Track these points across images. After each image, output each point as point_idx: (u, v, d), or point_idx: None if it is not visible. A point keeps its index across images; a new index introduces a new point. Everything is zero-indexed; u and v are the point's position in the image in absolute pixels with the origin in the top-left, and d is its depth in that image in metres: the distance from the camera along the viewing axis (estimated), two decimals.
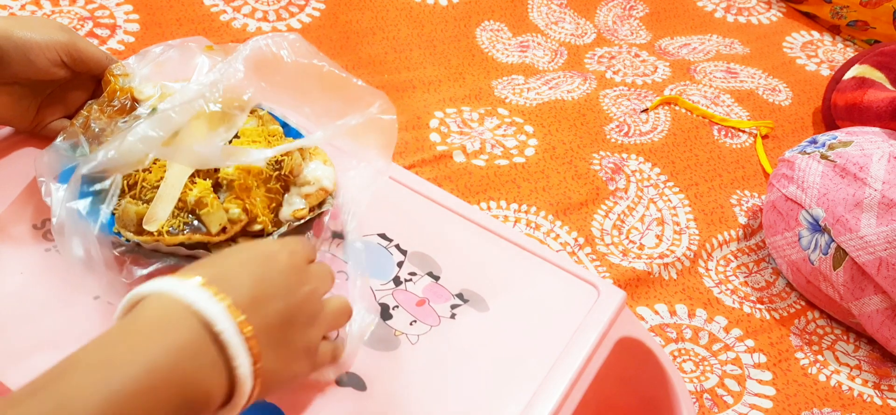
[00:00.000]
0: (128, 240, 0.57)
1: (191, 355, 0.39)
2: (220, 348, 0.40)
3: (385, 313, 0.59)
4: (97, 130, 0.61)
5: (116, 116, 0.62)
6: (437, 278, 0.62)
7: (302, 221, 0.61)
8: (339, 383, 0.54)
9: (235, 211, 0.58)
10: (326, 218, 0.63)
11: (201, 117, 0.60)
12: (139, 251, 0.57)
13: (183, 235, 0.56)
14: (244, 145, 0.61)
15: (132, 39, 1.11)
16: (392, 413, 0.53)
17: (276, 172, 0.61)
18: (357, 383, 0.54)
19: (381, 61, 1.21)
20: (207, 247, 0.57)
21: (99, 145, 0.60)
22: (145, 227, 0.56)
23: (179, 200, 0.57)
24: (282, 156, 0.61)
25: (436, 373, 0.56)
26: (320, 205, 0.63)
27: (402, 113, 1.11)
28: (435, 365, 0.56)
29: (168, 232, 0.56)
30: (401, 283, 0.61)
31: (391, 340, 0.57)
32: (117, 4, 1.16)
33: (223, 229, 0.57)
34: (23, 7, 1.11)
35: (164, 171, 0.59)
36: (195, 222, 0.57)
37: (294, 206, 0.61)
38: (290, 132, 0.67)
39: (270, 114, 0.68)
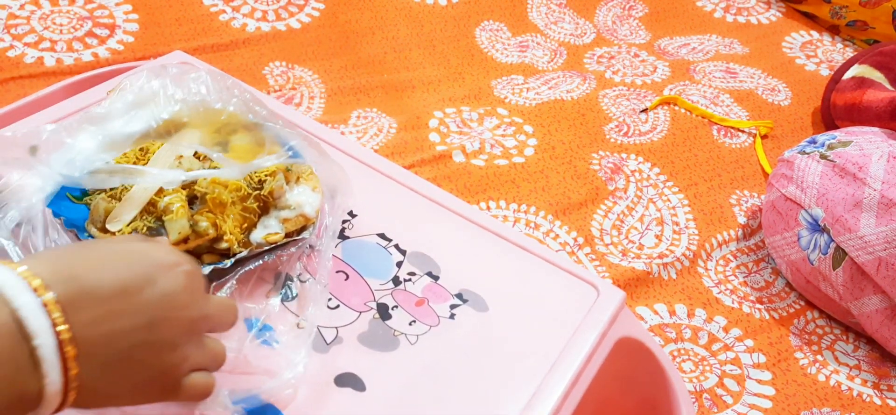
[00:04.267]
0: (90, 235, 0.55)
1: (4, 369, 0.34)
2: (30, 350, 0.35)
3: (384, 313, 0.59)
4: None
5: None
6: (436, 278, 0.62)
7: (272, 247, 0.58)
8: (338, 383, 0.54)
9: (203, 224, 0.55)
10: (298, 250, 0.59)
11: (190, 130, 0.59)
12: None
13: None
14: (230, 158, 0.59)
15: (131, 39, 1.11)
16: (391, 413, 0.53)
17: (256, 192, 0.58)
18: (356, 383, 0.54)
19: (381, 61, 1.21)
20: None
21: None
22: (108, 225, 0.55)
23: (150, 203, 0.56)
24: (264, 175, 0.59)
25: (435, 373, 0.56)
26: (299, 232, 0.59)
27: (401, 113, 1.11)
28: (434, 365, 0.56)
29: (130, 233, 0.55)
30: (400, 283, 0.61)
31: (390, 340, 0.57)
32: (117, 4, 1.16)
33: (185, 240, 0.55)
34: (22, 7, 1.11)
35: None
36: (160, 228, 0.55)
37: (269, 229, 0.58)
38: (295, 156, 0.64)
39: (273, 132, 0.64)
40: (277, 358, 0.51)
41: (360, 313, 0.59)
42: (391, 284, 0.61)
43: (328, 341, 0.56)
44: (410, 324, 0.59)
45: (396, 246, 0.64)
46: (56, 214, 0.54)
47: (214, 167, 0.59)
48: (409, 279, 0.62)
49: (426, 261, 0.64)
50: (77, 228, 0.56)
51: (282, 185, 0.60)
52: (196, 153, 0.60)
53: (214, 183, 0.57)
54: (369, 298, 0.60)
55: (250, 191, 0.58)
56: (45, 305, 0.35)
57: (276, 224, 0.58)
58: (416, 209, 0.68)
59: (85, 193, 0.58)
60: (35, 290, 0.35)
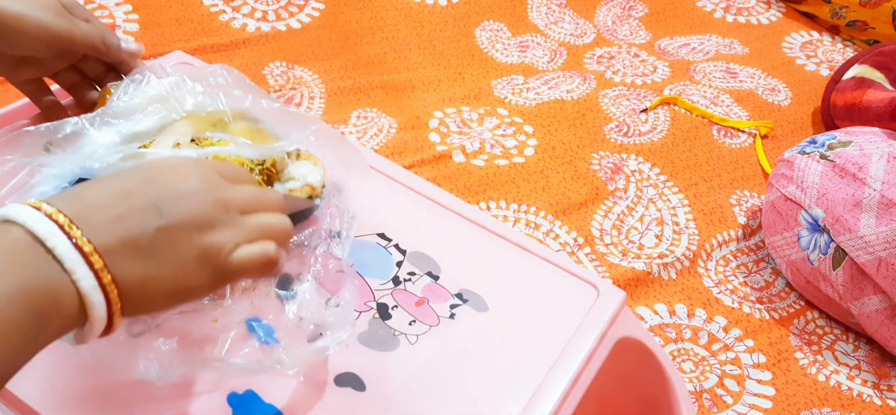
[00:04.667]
0: None
1: (33, 275, 0.36)
2: (58, 265, 0.36)
3: (384, 312, 0.59)
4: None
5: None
6: (436, 278, 0.62)
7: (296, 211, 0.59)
8: (338, 383, 0.54)
9: None
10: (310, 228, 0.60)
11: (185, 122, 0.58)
12: None
13: None
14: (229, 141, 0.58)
15: (131, 39, 1.11)
16: (391, 413, 0.53)
17: (259, 166, 0.58)
18: (356, 383, 0.54)
19: (381, 61, 1.21)
20: None
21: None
22: None
23: None
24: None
25: (435, 373, 0.56)
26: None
27: (401, 113, 1.11)
28: (434, 365, 0.56)
29: None
30: (400, 283, 0.61)
31: (390, 340, 0.57)
32: (117, 4, 1.16)
33: None
34: None
35: None
36: None
37: None
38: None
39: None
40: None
41: (360, 312, 0.59)
42: (391, 284, 0.61)
43: None
44: (410, 324, 0.59)
45: (396, 246, 0.64)
46: None
47: (226, 145, 0.58)
48: (409, 279, 0.62)
49: (426, 261, 0.64)
50: None
51: (283, 158, 0.59)
52: (194, 139, 0.60)
53: (217, 159, 0.55)
54: (369, 298, 0.60)
55: (253, 166, 0.57)
56: (49, 215, 0.37)
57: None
58: (416, 209, 0.68)
59: None
60: (36, 207, 0.37)
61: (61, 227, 0.37)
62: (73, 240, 0.37)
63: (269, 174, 0.59)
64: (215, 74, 0.60)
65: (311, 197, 0.60)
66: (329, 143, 0.62)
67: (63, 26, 0.58)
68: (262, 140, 0.62)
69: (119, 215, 0.39)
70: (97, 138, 0.55)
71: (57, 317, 0.36)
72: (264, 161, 0.58)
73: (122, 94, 0.60)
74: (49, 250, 0.36)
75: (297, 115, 0.61)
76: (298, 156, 0.62)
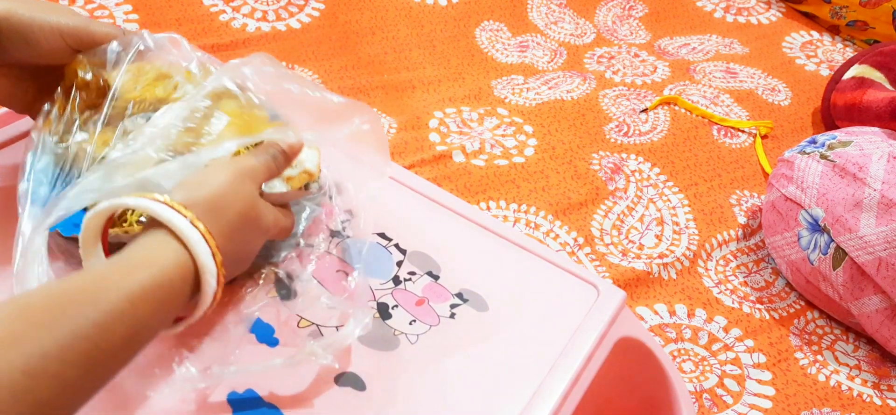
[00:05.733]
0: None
1: (174, 276, 0.45)
2: (195, 270, 0.47)
3: (384, 312, 0.59)
4: (63, 128, 0.56)
5: (86, 108, 0.57)
6: (436, 278, 0.62)
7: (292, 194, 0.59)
8: (338, 382, 0.54)
9: None
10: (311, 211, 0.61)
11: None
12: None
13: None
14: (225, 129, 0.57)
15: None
16: (391, 413, 0.53)
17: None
18: (356, 382, 0.54)
19: (381, 61, 1.21)
20: None
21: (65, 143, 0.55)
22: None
23: None
24: (254, 143, 0.57)
25: (435, 373, 0.56)
26: (304, 188, 0.61)
27: (401, 113, 1.11)
28: (434, 365, 0.56)
29: (138, 222, 0.52)
30: (400, 282, 0.61)
31: (390, 339, 0.57)
32: (116, 4, 1.16)
33: None
34: None
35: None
36: None
37: (275, 189, 0.58)
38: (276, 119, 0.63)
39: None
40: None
41: None
42: (391, 284, 0.61)
43: None
44: (411, 323, 0.59)
45: (396, 246, 0.64)
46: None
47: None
48: (410, 279, 0.62)
49: (426, 260, 0.64)
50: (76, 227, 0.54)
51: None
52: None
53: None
54: (370, 298, 0.60)
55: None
56: (209, 246, 0.47)
57: (280, 184, 0.59)
58: (416, 209, 0.68)
59: None
60: (205, 240, 0.47)
61: (213, 254, 0.47)
62: (216, 260, 0.47)
63: None
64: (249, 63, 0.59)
65: (308, 184, 0.61)
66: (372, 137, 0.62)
67: (79, 23, 0.57)
68: (251, 118, 0.59)
69: (230, 228, 0.50)
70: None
71: (181, 293, 0.46)
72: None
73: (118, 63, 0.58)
74: (179, 238, 0.46)
75: (339, 104, 0.61)
76: None
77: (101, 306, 0.41)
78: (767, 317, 0.92)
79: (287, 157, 0.56)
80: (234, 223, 0.50)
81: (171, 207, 0.47)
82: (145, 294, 0.43)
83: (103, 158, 0.54)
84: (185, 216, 0.47)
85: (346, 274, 0.61)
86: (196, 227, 0.46)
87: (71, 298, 0.40)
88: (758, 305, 0.93)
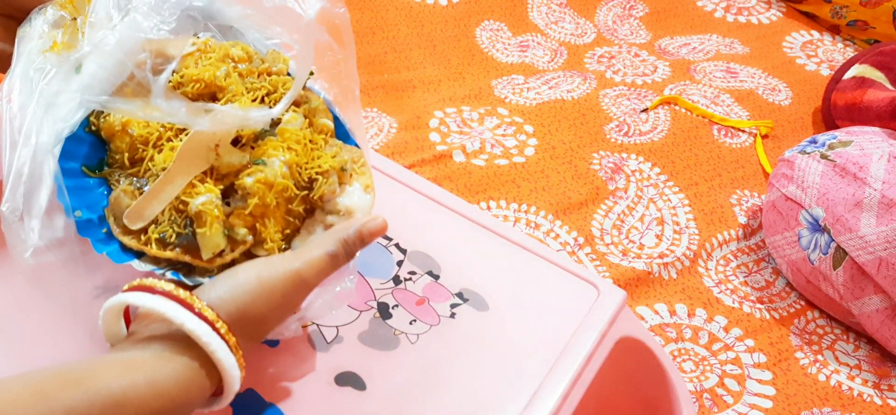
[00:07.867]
0: (107, 225, 0.49)
1: (194, 384, 0.44)
2: (218, 375, 0.45)
3: (385, 312, 0.59)
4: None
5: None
6: (436, 278, 0.62)
7: None
8: (338, 382, 0.54)
9: (241, 231, 0.49)
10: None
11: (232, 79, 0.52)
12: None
13: (171, 250, 0.48)
14: (278, 145, 0.51)
15: None
16: (391, 413, 0.53)
17: (304, 193, 0.51)
18: (356, 382, 0.54)
19: (381, 61, 1.21)
20: (194, 268, 0.49)
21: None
22: (126, 221, 0.48)
23: (180, 199, 0.48)
24: (315, 173, 0.51)
25: (435, 373, 0.56)
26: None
27: (401, 112, 1.11)
28: (434, 365, 0.56)
29: (157, 240, 0.48)
30: (400, 282, 0.61)
31: (391, 339, 0.57)
32: None
33: (220, 253, 0.48)
34: None
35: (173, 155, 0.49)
36: (190, 235, 0.48)
37: (312, 234, 0.52)
38: (340, 130, 0.57)
39: (326, 105, 0.56)
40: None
41: (361, 311, 0.59)
42: (392, 284, 0.61)
43: (328, 340, 0.56)
44: (411, 323, 0.59)
45: (397, 245, 0.64)
46: (70, 203, 0.48)
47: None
48: (410, 278, 0.62)
49: (427, 260, 0.64)
50: (92, 223, 0.49)
51: (334, 188, 0.52)
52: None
53: (259, 183, 0.49)
54: (370, 298, 0.60)
55: (297, 192, 0.51)
56: (235, 355, 0.45)
57: (321, 232, 0.51)
58: (416, 209, 0.68)
59: (102, 161, 0.51)
60: (236, 358, 0.45)
61: (211, 324, 0.44)
62: (239, 366, 0.45)
63: (313, 204, 0.52)
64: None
65: None
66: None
67: None
68: (318, 130, 0.55)
69: (256, 332, 0.48)
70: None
71: (202, 391, 0.45)
72: (312, 190, 0.52)
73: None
74: (204, 348, 0.44)
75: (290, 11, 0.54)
76: (351, 177, 0.54)
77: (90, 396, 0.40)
78: (768, 317, 0.91)
79: (363, 245, 0.50)
80: (269, 327, 0.48)
81: (206, 320, 0.44)
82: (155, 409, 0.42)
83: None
84: (218, 333, 0.44)
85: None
86: (227, 342, 0.44)
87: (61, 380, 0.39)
88: (758, 305, 0.93)
